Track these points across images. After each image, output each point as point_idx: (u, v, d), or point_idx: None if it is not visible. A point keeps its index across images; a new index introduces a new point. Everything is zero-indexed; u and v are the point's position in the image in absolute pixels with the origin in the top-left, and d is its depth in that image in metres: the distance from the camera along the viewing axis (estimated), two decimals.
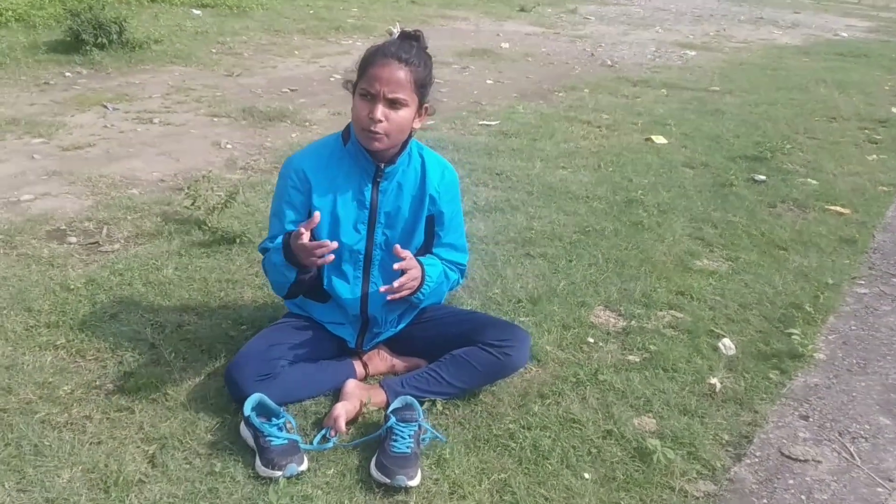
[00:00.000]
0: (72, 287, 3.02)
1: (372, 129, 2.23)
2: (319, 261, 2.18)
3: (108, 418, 2.31)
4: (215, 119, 5.62)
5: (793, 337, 2.97)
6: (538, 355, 2.76)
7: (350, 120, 2.38)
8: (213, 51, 7.95)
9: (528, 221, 3.99)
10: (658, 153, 5.35)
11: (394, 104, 2.23)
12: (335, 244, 2.18)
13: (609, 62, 8.94)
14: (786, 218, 4.34)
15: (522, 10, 12.80)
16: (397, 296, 2.31)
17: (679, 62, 9.43)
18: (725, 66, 9.49)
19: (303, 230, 2.15)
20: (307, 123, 5.66)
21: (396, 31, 2.29)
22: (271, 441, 2.13)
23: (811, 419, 2.57)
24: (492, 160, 4.95)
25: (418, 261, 2.37)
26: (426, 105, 2.38)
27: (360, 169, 2.38)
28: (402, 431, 2.20)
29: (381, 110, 2.21)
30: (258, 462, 2.11)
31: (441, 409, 2.43)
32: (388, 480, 2.07)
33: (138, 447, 2.19)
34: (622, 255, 3.67)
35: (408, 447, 2.16)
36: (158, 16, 9.41)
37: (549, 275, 3.42)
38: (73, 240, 3.48)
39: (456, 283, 2.63)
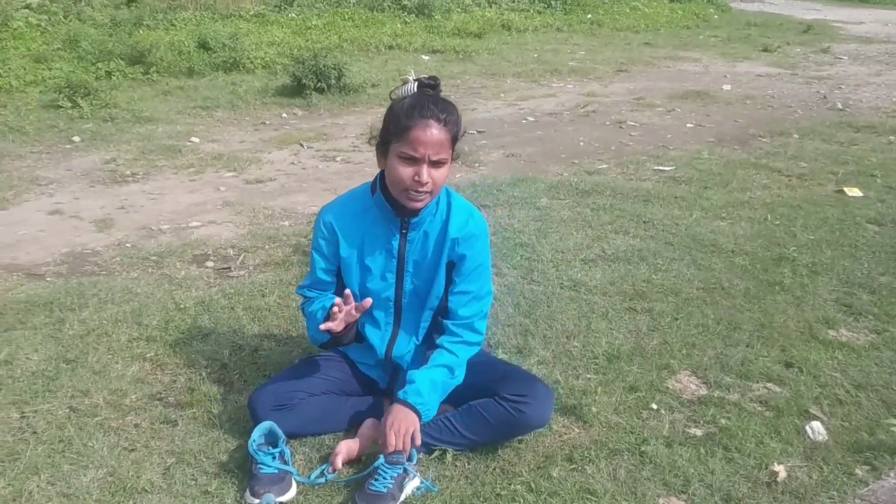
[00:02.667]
0: (182, 307, 3.36)
1: (419, 190, 2.26)
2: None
3: (152, 428, 2.54)
4: None
5: None
6: (586, 416, 2.61)
7: (378, 171, 2.43)
8: None
9: (650, 274, 3.76)
10: (844, 207, 4.78)
11: (436, 164, 2.25)
12: (368, 303, 2.27)
13: (840, 106, 8.12)
14: None
15: (766, 50, 12.01)
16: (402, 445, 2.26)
17: None
18: None
19: (332, 326, 2.23)
20: (476, 165, 5.78)
21: (412, 78, 2.31)
22: (261, 469, 2.22)
23: None
24: (645, 207, 4.73)
25: (402, 398, 2.31)
26: (456, 152, 2.39)
27: (387, 220, 2.42)
28: (385, 472, 2.21)
29: (426, 172, 2.23)
30: (247, 488, 2.21)
31: (451, 460, 2.39)
32: None
33: (161, 459, 2.39)
34: (740, 317, 3.34)
35: (385, 487, 2.17)
36: (388, 62, 10.10)
37: (645, 332, 3.20)
38: (210, 265, 3.86)
39: (467, 351, 2.49)
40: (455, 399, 2.49)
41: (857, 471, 2.40)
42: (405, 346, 2.52)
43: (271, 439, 2.35)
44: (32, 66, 8.11)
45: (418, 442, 2.26)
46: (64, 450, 2.41)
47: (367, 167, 5.69)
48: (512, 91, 8.65)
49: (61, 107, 6.70)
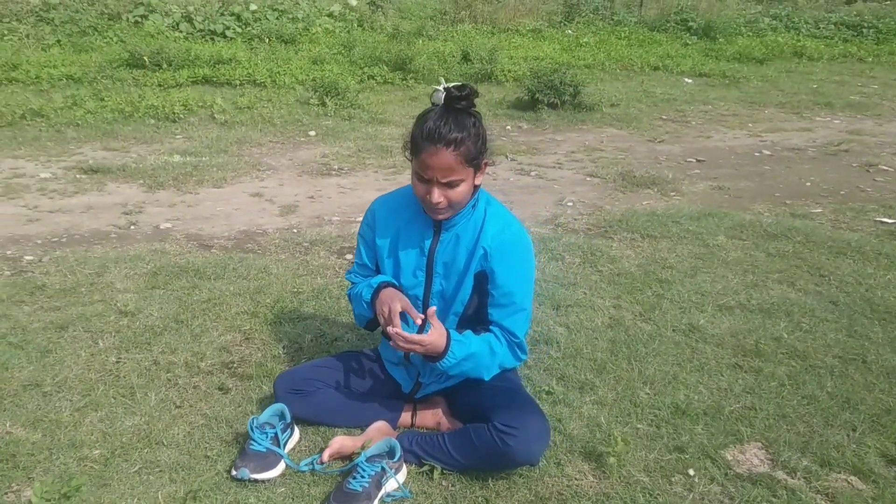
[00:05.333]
0: (297, 291, 3.62)
1: (433, 208, 2.31)
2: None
3: (206, 391, 2.80)
4: (588, 178, 5.81)
5: None
6: (607, 466, 2.41)
7: None
8: (663, 117, 8.05)
9: (785, 332, 3.34)
10: None
11: (449, 185, 2.26)
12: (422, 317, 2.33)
13: None
14: None
15: None
16: (407, 348, 2.30)
17: None
18: None
19: (395, 330, 2.27)
20: (673, 193, 5.47)
21: (442, 87, 2.29)
22: (251, 445, 2.36)
23: None
24: (834, 260, 4.17)
25: (450, 335, 2.33)
26: (485, 162, 2.35)
27: (423, 218, 2.45)
28: (363, 470, 2.25)
29: (436, 194, 2.26)
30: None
31: (437, 477, 2.36)
32: None
33: (194, 419, 2.63)
34: (864, 397, 2.86)
35: (361, 486, 2.21)
36: (645, 82, 9.84)
37: (736, 393, 2.87)
38: (349, 257, 4.10)
39: (508, 356, 2.44)
40: (466, 418, 2.45)
41: None
42: None
43: (281, 419, 2.48)
44: (308, 67, 9.09)
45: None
46: (127, 395, 2.75)
47: (555, 184, 5.64)
48: (763, 122, 8.00)
49: (310, 104, 7.44)
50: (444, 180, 2.23)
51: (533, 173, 5.92)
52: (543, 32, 12.69)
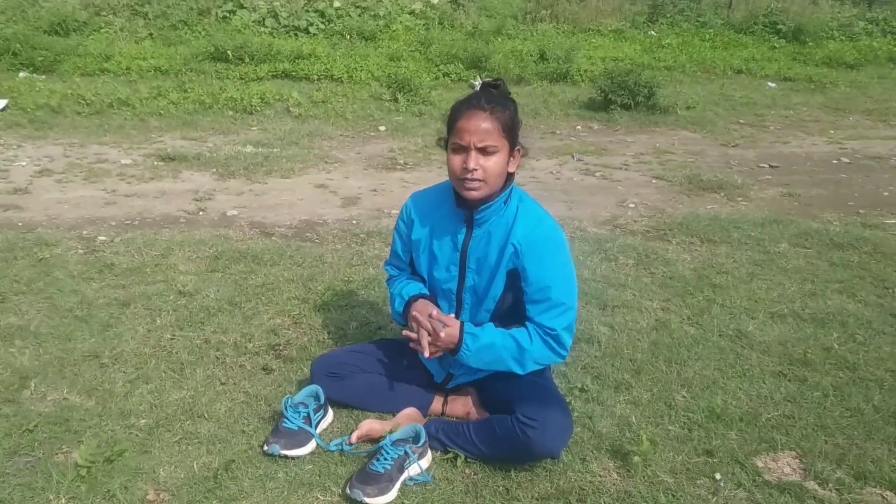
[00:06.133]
0: (347, 279, 3.73)
1: (468, 177, 2.33)
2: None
3: (251, 371, 2.92)
4: (653, 181, 5.74)
5: None
6: (633, 466, 2.41)
7: None
8: (741, 121, 7.87)
9: (837, 343, 3.25)
10: None
11: (485, 152, 2.30)
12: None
13: None
14: None
15: None
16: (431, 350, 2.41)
17: None
18: None
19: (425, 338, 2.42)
20: (740, 199, 5.36)
21: (478, 83, 2.36)
22: (284, 423, 2.46)
23: None
24: None
25: (463, 327, 2.42)
26: (518, 148, 2.39)
27: (457, 213, 2.49)
28: (387, 453, 2.31)
29: (474, 159, 2.31)
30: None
31: (461, 465, 2.40)
32: (348, 492, 2.23)
33: (235, 396, 2.75)
34: None
35: (383, 468, 2.28)
36: (725, 85, 9.63)
37: (776, 401, 2.82)
38: None
39: (543, 351, 2.44)
40: (496, 409, 2.50)
41: None
42: None
43: (317, 399, 2.57)
44: (385, 63, 9.24)
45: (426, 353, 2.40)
46: (176, 370, 2.89)
47: (619, 185, 5.60)
48: (846, 129, 7.73)
49: (382, 100, 7.58)
50: (480, 144, 2.28)
51: (598, 174, 5.89)
52: (625, 33, 12.54)
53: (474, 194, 2.36)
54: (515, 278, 2.44)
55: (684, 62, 10.76)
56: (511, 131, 2.33)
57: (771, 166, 6.28)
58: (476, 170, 2.29)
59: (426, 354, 2.41)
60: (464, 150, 2.31)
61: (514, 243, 2.41)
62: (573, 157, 6.32)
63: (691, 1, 13.81)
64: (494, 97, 2.32)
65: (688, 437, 2.59)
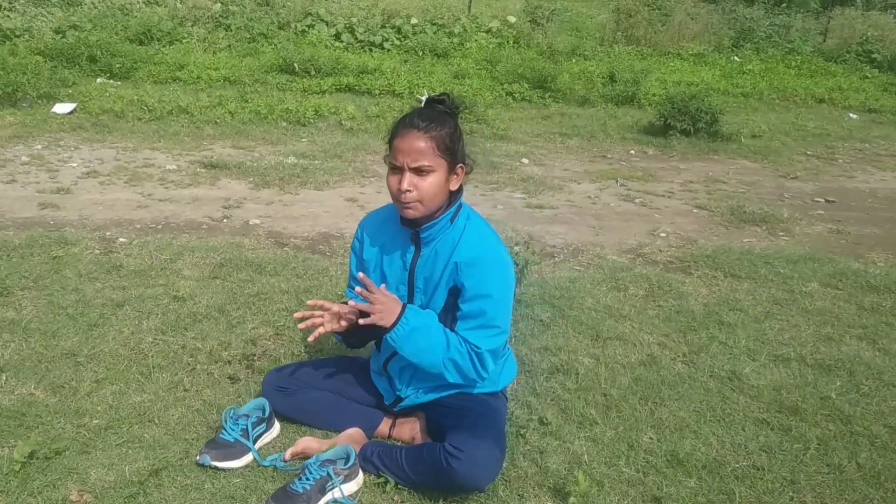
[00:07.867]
0: (343, 295, 3.70)
1: (402, 199, 2.31)
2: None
3: (217, 379, 2.95)
4: (694, 210, 5.53)
5: None
6: None
7: None
8: (808, 153, 7.50)
9: (837, 393, 3.03)
10: None
11: (419, 172, 2.27)
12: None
13: None
14: None
15: None
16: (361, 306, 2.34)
17: None
18: None
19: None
20: (782, 234, 5.09)
21: (424, 98, 2.31)
22: (221, 434, 2.46)
23: None
24: None
25: (408, 307, 2.35)
26: (460, 165, 2.33)
27: (404, 232, 2.46)
28: (310, 473, 2.29)
29: (407, 180, 2.28)
30: None
31: (390, 491, 2.35)
32: None
33: (191, 403, 2.77)
34: None
35: (303, 488, 2.25)
36: (801, 115, 9.23)
37: (749, 451, 2.64)
38: None
39: (467, 362, 2.36)
40: (431, 433, 2.47)
41: None
42: (403, 361, 2.49)
43: (263, 413, 2.56)
44: (448, 80, 9.28)
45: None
46: (145, 374, 2.94)
47: (657, 213, 5.42)
48: None
49: None
50: (413, 165, 2.24)
51: (638, 200, 5.71)
52: (706, 57, 12.21)
53: (411, 213, 2.33)
54: (456, 296, 2.39)
55: (763, 89, 10.40)
56: (450, 149, 2.28)
57: (827, 201, 5.95)
58: (410, 191, 2.25)
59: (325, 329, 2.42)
60: (399, 170, 2.27)
61: (457, 261, 2.36)
62: (617, 181, 6.16)
63: (781, 27, 13.32)
64: (432, 115, 2.28)
65: (640, 482, 2.46)
